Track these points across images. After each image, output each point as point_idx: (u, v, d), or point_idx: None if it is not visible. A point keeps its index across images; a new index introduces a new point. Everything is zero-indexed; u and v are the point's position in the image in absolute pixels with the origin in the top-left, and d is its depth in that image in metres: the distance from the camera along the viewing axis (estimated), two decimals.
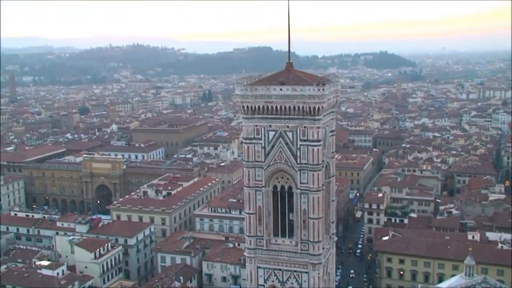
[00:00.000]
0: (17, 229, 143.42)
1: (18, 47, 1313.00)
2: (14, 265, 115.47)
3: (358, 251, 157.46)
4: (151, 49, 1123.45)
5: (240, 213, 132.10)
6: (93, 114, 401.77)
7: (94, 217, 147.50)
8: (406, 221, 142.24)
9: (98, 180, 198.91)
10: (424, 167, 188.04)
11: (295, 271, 65.82)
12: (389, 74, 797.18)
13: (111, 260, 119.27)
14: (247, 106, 63.91)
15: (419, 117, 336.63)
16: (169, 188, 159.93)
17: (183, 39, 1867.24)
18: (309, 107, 61.16)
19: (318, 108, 61.10)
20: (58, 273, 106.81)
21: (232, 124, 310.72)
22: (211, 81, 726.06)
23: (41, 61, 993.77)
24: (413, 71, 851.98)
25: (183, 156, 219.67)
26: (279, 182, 65.59)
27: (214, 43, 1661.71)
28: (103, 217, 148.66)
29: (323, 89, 61.29)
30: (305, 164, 62.79)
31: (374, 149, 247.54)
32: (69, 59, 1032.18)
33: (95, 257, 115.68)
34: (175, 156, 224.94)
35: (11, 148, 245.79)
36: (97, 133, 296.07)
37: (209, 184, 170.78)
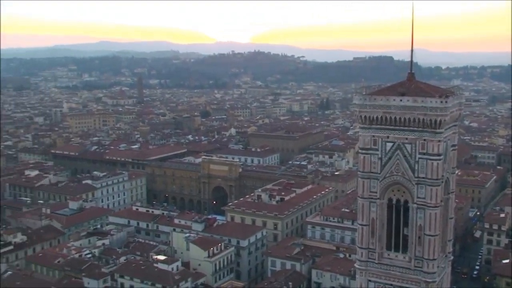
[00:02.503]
0: (138, 223, 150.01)
1: (147, 52, 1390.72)
2: (132, 257, 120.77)
3: (475, 272, 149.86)
4: (271, 56, 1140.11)
5: (352, 223, 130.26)
6: (213, 117, 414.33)
7: (209, 217, 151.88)
8: None
9: (215, 182, 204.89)
10: None
11: (407, 287, 64.09)
12: None
13: (223, 260, 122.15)
14: (365, 116, 63.26)
15: None
16: (283, 193, 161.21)
17: (303, 47, 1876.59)
18: (430, 120, 59.43)
19: (440, 121, 59.20)
20: (172, 268, 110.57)
21: (348, 133, 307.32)
22: (329, 89, 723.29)
23: (167, 66, 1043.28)
24: None
25: (298, 163, 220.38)
26: (394, 195, 64.24)
27: (334, 51, 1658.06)
28: (218, 217, 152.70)
29: (446, 102, 59.31)
30: (423, 178, 61.03)
31: (498, 167, 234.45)
32: (194, 64, 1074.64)
33: (209, 256, 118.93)
34: (290, 162, 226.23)
35: (136, 146, 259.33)
36: (216, 136, 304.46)
37: (322, 192, 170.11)
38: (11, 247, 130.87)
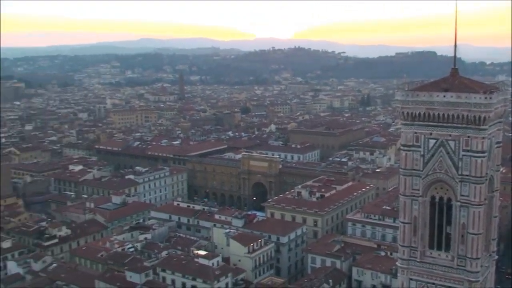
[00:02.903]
0: (179, 218, 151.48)
1: (188, 48, 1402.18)
2: (174, 252, 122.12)
3: None
4: (311, 52, 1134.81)
5: (394, 221, 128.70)
6: (253, 114, 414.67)
7: (249, 213, 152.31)
8: None
9: (254, 178, 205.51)
10: None
11: (449, 287, 63.15)
12: None
13: (263, 256, 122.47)
14: (407, 112, 62.55)
15: None
16: (323, 190, 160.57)
17: (344, 43, 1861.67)
18: (474, 116, 58.40)
19: (484, 117, 58.11)
20: (213, 264, 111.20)
21: (390, 130, 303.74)
22: (371, 85, 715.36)
23: (208, 62, 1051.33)
24: None
25: (338, 159, 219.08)
26: (437, 192, 63.35)
27: (375, 47, 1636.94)
28: (257, 213, 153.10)
29: (491, 98, 58.19)
30: (467, 176, 60.01)
31: None
32: (234, 60, 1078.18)
33: (249, 252, 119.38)
34: (330, 159, 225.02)
35: (177, 142, 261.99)
36: (256, 132, 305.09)
37: (363, 189, 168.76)
38: (56, 240, 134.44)
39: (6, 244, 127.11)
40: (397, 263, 67.66)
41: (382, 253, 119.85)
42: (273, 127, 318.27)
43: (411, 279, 65.55)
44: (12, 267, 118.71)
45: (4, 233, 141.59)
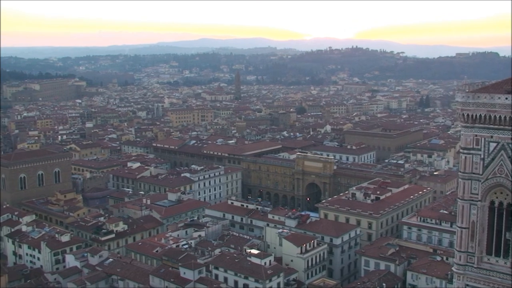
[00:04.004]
0: (232, 217, 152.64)
1: (245, 48, 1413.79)
2: (227, 250, 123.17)
3: None
4: (369, 52, 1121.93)
5: (451, 226, 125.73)
6: (308, 114, 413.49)
7: (303, 213, 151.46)
8: None
9: (309, 178, 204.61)
10: None
11: None
12: None
13: (316, 257, 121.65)
14: (468, 114, 60.97)
15: None
16: (378, 192, 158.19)
17: (403, 43, 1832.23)
18: None
19: None
20: (265, 263, 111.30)
21: (449, 132, 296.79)
22: (430, 86, 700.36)
23: (265, 62, 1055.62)
24: None
25: (395, 161, 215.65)
26: (497, 197, 61.45)
27: (435, 47, 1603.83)
28: (311, 214, 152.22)
29: None
30: None
31: None
32: (290, 60, 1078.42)
33: (301, 252, 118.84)
34: (386, 161, 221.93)
35: (233, 141, 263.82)
36: (311, 133, 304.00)
37: (420, 192, 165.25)
38: (113, 235, 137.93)
39: (65, 238, 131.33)
40: (453, 268, 66.07)
41: (438, 258, 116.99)
42: (328, 127, 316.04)
43: (467, 285, 63.91)
44: (70, 260, 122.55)
45: (63, 227, 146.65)
